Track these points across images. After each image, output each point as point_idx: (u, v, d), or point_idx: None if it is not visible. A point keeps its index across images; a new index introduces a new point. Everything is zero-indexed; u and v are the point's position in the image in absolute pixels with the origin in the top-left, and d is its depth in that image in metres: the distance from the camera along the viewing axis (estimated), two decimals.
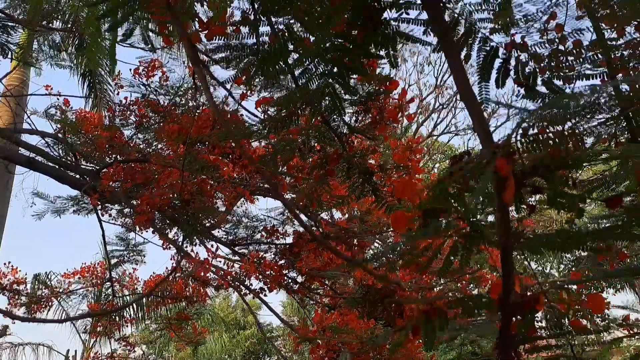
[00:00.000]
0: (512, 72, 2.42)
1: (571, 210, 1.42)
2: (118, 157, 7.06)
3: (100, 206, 6.91)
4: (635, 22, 3.61)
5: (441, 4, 1.79)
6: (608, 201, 1.49)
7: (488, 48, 2.33)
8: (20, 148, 7.71)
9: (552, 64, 2.58)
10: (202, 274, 5.76)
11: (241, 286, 5.77)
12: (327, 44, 1.55)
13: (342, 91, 1.84)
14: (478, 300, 1.60)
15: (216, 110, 3.50)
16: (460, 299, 1.64)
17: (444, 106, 16.05)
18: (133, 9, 1.76)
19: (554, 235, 1.47)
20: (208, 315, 17.33)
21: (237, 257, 6.42)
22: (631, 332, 5.50)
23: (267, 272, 5.65)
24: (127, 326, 9.89)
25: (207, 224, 6.40)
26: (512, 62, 2.48)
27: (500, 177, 1.37)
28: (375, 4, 1.56)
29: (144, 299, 9.17)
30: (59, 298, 9.56)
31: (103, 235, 8.40)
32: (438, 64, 15.45)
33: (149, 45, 5.46)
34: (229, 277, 5.57)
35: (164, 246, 6.61)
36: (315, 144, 3.85)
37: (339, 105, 1.82)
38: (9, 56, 7.03)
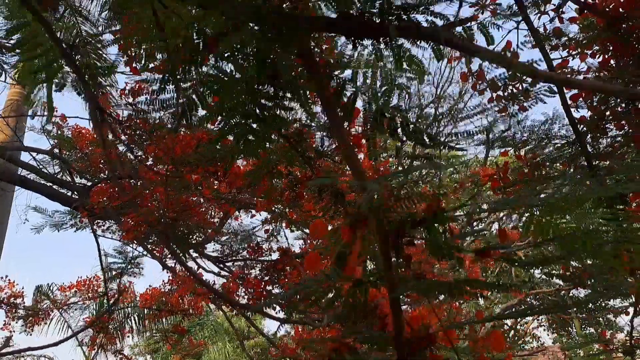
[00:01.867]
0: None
1: (450, 258, 1.50)
2: (112, 173, 7.21)
3: (90, 222, 7.06)
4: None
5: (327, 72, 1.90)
6: (478, 253, 1.57)
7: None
8: (19, 166, 7.88)
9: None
10: (186, 291, 5.86)
11: (226, 302, 5.87)
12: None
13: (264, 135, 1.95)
14: (378, 337, 1.68)
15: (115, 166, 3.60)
16: (365, 335, 1.73)
17: (444, 115, 16.02)
18: (59, 68, 1.87)
19: (436, 283, 1.55)
20: (212, 326, 17.41)
21: (224, 273, 6.52)
22: (607, 348, 5.53)
23: (249, 289, 5.75)
24: (124, 339, 9.99)
25: (195, 241, 6.51)
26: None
27: (383, 237, 1.46)
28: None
29: (143, 311, 9.31)
30: (60, 310, 9.71)
31: (98, 249, 8.54)
32: (438, 74, 15.47)
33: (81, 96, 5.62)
34: (211, 295, 5.67)
35: (161, 258, 6.73)
36: (285, 168, 3.96)
37: (253, 150, 1.93)
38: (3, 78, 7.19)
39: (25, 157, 8.66)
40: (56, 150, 8.13)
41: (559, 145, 3.60)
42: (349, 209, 1.33)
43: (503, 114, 3.50)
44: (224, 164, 4.30)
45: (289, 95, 1.74)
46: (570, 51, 3.65)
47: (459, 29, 1.70)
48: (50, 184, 7.00)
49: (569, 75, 3.99)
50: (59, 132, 8.71)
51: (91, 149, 8.05)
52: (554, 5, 3.58)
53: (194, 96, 1.70)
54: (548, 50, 3.48)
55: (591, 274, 4.10)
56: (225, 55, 1.56)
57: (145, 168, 6.53)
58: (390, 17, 1.55)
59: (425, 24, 1.62)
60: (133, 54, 2.45)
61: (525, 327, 20.65)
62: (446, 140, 2.34)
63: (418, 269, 1.86)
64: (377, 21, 1.57)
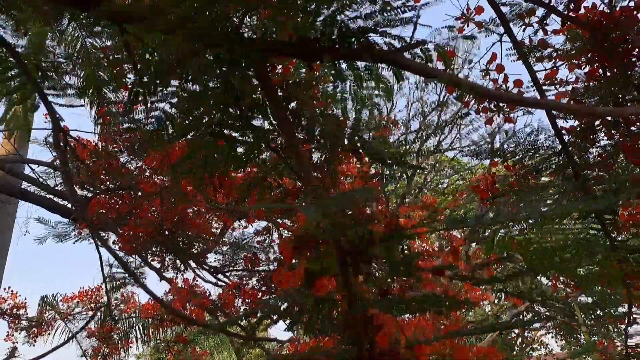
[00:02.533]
0: None
1: (408, 276, 1.52)
2: (114, 184, 7.28)
3: (92, 233, 7.12)
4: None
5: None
6: (434, 271, 1.59)
7: None
8: (20, 179, 7.96)
9: None
10: (182, 302, 5.90)
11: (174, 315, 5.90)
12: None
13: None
14: (342, 353, 1.70)
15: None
16: (330, 352, 1.75)
17: (447, 123, 16.05)
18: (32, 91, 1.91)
19: (398, 301, 1.58)
20: (217, 335, 17.42)
21: (221, 284, 6.55)
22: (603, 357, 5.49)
23: (246, 300, 5.77)
24: (128, 349, 10.01)
25: (194, 251, 6.55)
26: None
27: (340, 256, 1.49)
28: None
29: (147, 321, 9.35)
30: (65, 320, 9.78)
31: (100, 260, 8.60)
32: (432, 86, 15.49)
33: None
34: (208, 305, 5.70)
35: (159, 269, 6.78)
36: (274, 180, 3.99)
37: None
38: None
39: (28, 169, 8.75)
40: (56, 163, 8.21)
41: (545, 155, 3.61)
42: (295, 230, 1.36)
43: (489, 125, 3.52)
44: (218, 175, 4.34)
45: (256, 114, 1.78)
46: (556, 62, 3.67)
47: (418, 50, 1.73)
48: (50, 196, 7.07)
49: (557, 87, 4.01)
50: (62, 144, 8.80)
51: (93, 160, 8.14)
52: (538, 17, 3.60)
53: (162, 115, 1.74)
54: (533, 62, 3.49)
55: (581, 285, 4.10)
56: (189, 78, 1.60)
57: (144, 179, 6.59)
58: (348, 40, 1.59)
59: (384, 46, 1.65)
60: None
61: (533, 334, 20.54)
62: (407, 160, 2.38)
63: (384, 286, 1.88)
64: (333, 44, 1.61)
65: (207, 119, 1.71)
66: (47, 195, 6.97)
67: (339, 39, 1.58)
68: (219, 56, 1.48)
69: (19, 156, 9.26)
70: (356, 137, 2.25)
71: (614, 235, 3.81)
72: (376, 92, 2.19)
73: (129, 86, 1.54)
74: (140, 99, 1.71)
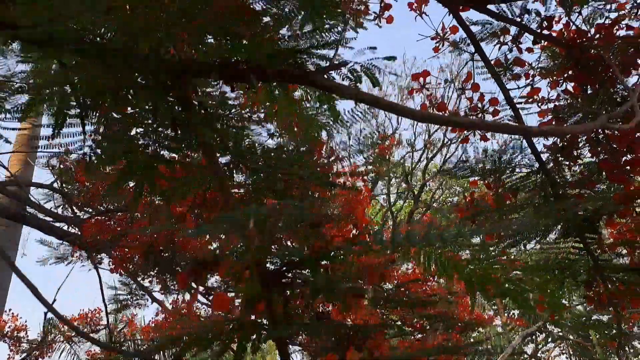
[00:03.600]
0: None
1: (337, 300, 1.50)
2: (111, 205, 7.31)
3: (90, 255, 7.14)
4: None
5: None
6: (355, 295, 1.56)
7: None
8: (22, 202, 8.03)
9: None
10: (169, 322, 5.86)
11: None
12: None
13: None
14: None
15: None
16: None
17: (453, 141, 16.02)
18: None
19: (322, 326, 1.55)
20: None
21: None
22: None
23: None
24: None
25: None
26: None
27: (262, 279, 1.47)
28: None
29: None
30: (70, 342, 9.77)
31: (100, 282, 8.61)
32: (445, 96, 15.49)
33: None
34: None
35: (162, 292, 6.77)
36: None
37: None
38: None
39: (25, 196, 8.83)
40: (56, 185, 8.29)
41: (523, 174, 3.57)
42: (194, 256, 1.34)
43: (465, 143, 3.49)
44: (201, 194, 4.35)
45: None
46: (533, 80, 3.64)
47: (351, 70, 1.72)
48: (47, 218, 7.12)
49: (539, 105, 3.98)
50: (62, 166, 8.89)
51: (92, 182, 8.20)
52: (511, 36, 3.59)
53: (93, 144, 1.75)
54: (510, 79, 3.48)
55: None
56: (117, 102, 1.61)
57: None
58: (273, 61, 1.59)
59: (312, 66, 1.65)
60: None
61: (547, 354, 20.20)
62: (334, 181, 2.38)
63: (318, 309, 1.85)
64: (255, 66, 1.60)
65: (141, 141, 1.72)
66: (44, 217, 7.02)
67: (266, 60, 1.58)
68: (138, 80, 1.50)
69: (23, 179, 9.36)
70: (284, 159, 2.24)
71: (597, 255, 3.74)
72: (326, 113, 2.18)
73: (55, 110, 1.56)
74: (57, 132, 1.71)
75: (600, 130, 3.85)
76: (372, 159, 10.63)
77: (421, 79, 3.54)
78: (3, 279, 10.21)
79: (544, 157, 3.65)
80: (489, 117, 3.55)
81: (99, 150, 1.68)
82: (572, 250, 3.75)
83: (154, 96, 1.52)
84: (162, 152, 1.79)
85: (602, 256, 3.80)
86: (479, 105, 3.54)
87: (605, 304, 3.95)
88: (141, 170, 1.76)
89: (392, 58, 1.69)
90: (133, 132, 1.71)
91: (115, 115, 1.60)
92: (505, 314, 18.91)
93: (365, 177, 10.14)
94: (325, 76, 1.82)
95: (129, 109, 1.64)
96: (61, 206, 8.68)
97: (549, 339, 20.43)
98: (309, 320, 1.82)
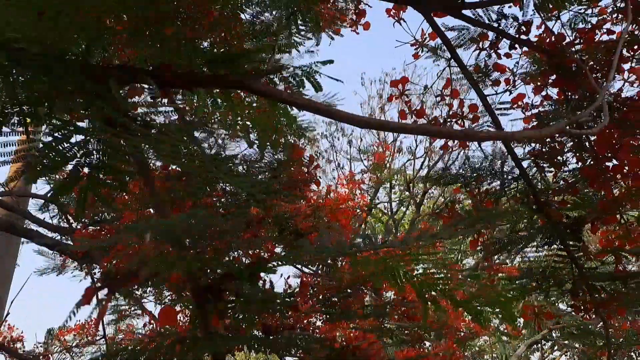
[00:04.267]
0: None
1: (273, 313, 1.46)
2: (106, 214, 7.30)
3: (86, 266, 7.12)
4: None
5: None
6: (291, 307, 1.52)
7: None
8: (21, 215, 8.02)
9: None
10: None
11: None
12: None
13: None
14: None
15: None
16: None
17: (454, 148, 15.88)
18: None
19: (255, 339, 1.51)
20: None
21: None
22: None
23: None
24: None
25: None
26: None
27: (195, 293, 1.43)
28: None
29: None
30: (71, 353, 9.73)
31: (96, 292, 8.57)
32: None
33: None
34: None
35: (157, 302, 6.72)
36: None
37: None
38: None
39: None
40: (49, 196, 8.28)
41: (504, 181, 3.51)
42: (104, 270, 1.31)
43: (444, 150, 3.44)
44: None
45: None
46: (515, 85, 3.60)
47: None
48: (39, 229, 7.10)
49: (524, 111, 3.93)
50: (57, 176, 8.91)
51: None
52: (489, 41, 3.54)
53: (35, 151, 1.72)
54: (489, 85, 3.43)
55: None
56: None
57: (127, 210, 6.59)
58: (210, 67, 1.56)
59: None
60: None
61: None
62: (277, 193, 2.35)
63: (266, 321, 1.80)
64: (189, 71, 1.57)
65: (83, 149, 1.69)
66: (36, 228, 6.99)
67: (206, 66, 1.55)
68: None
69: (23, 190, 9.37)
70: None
71: (582, 263, 3.68)
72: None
73: None
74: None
75: (585, 136, 3.80)
76: (370, 166, 10.59)
77: (400, 86, 3.50)
78: (2, 291, 10.22)
79: (526, 163, 3.60)
80: (468, 124, 3.50)
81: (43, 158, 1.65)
82: (556, 259, 3.69)
83: (85, 103, 1.49)
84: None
85: (587, 264, 3.74)
86: (459, 111, 3.49)
87: (592, 313, 3.88)
88: (85, 179, 1.73)
89: (329, 62, 1.66)
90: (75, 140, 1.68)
91: (57, 122, 1.57)
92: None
93: (362, 185, 10.11)
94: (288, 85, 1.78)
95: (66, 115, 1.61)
96: (56, 216, 8.68)
97: (555, 347, 20.21)
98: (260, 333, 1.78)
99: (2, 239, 9.18)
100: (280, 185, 3.90)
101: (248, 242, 1.86)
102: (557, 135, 3.68)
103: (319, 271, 4.83)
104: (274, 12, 2.97)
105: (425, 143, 17.05)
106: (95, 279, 5.68)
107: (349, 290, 7.23)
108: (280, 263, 1.47)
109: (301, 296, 1.76)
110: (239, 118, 2.22)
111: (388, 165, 13.84)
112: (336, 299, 6.41)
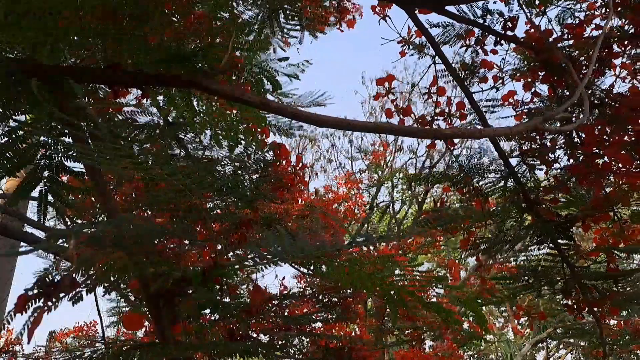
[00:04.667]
0: None
1: (231, 317, 1.41)
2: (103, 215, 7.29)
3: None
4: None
5: None
6: (246, 312, 1.47)
7: None
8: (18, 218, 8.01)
9: None
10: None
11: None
12: None
13: None
14: None
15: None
16: None
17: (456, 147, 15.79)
18: None
19: (215, 344, 1.47)
20: None
21: None
22: None
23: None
24: None
25: None
26: None
27: (149, 299, 1.39)
28: None
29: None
30: (73, 356, 9.74)
31: (95, 294, 8.57)
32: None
33: None
34: None
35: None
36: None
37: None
38: None
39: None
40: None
41: (493, 179, 3.46)
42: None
43: (432, 149, 3.39)
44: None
45: None
46: (504, 81, 3.54)
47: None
48: (33, 231, 7.08)
49: (515, 109, 3.88)
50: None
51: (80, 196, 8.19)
52: (475, 38, 3.49)
53: None
54: (470, 83, 3.38)
55: None
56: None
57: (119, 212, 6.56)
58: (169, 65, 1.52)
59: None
60: None
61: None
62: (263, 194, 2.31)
63: (231, 328, 1.76)
64: (139, 71, 1.53)
65: (41, 151, 1.66)
66: (31, 231, 6.98)
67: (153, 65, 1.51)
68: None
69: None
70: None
71: (574, 262, 3.62)
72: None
73: None
74: None
75: (575, 132, 3.75)
76: (368, 166, 10.53)
77: (386, 84, 3.45)
78: (1, 294, 10.22)
79: (518, 162, 3.55)
80: (456, 122, 3.45)
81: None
82: (547, 258, 3.63)
83: (31, 104, 1.45)
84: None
85: (578, 263, 3.68)
86: (446, 109, 3.44)
87: (585, 312, 3.82)
88: (44, 181, 1.70)
89: (285, 59, 1.62)
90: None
91: (12, 124, 1.54)
92: (515, 322, 18.63)
93: (360, 185, 10.06)
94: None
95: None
96: (53, 218, 8.69)
97: (560, 346, 20.09)
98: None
99: (0, 243, 9.17)
100: (267, 187, 3.86)
101: (202, 244, 1.81)
102: (548, 132, 3.62)
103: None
104: (255, 11, 2.94)
105: (427, 141, 16.94)
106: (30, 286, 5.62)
107: (348, 291, 7.20)
108: (239, 266, 1.42)
109: (253, 301, 1.71)
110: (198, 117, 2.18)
111: (390, 164, 13.79)
112: (336, 299, 6.37)
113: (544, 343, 18.60)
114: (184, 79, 1.57)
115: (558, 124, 2.69)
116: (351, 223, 11.45)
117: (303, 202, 4.23)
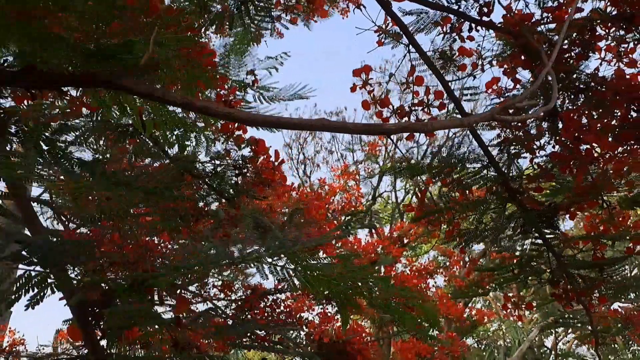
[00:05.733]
0: None
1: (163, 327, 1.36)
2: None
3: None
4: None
5: None
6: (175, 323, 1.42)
7: None
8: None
9: None
10: None
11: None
12: None
13: None
14: None
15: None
16: None
17: (456, 135, 15.67)
18: None
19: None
20: None
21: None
22: None
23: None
24: None
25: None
26: None
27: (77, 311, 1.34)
28: None
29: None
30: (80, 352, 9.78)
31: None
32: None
33: None
34: None
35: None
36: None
37: None
38: None
39: None
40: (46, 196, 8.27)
41: (475, 169, 3.39)
42: None
43: (410, 140, 3.32)
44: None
45: None
46: (480, 69, 3.46)
47: None
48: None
49: (499, 97, 3.79)
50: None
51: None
52: (450, 25, 3.40)
53: None
54: (446, 72, 3.30)
55: None
56: None
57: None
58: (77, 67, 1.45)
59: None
60: None
61: (567, 346, 19.87)
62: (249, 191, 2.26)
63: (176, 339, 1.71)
64: (53, 72, 1.47)
65: None
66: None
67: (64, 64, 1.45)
68: None
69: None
70: None
71: (559, 251, 3.54)
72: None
73: None
74: None
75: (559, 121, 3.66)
76: (366, 156, 10.45)
77: (363, 75, 3.37)
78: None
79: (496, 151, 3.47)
80: (435, 111, 3.36)
81: None
82: (532, 247, 3.57)
83: None
84: None
85: (565, 252, 3.61)
86: (425, 99, 3.36)
87: (574, 301, 3.75)
88: None
89: (210, 54, 1.55)
90: None
91: None
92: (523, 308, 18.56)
93: (357, 176, 10.00)
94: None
95: None
96: (51, 218, 8.70)
97: (569, 330, 19.99)
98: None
99: None
100: (245, 183, 3.81)
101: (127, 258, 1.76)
102: (531, 120, 3.54)
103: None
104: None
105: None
106: None
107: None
108: (171, 275, 1.37)
109: (177, 311, 1.67)
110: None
111: (391, 153, 13.70)
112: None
113: (552, 329, 18.53)
114: (101, 79, 1.50)
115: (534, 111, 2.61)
116: (349, 215, 11.39)
117: (288, 197, 4.17)
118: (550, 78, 2.22)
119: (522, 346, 17.78)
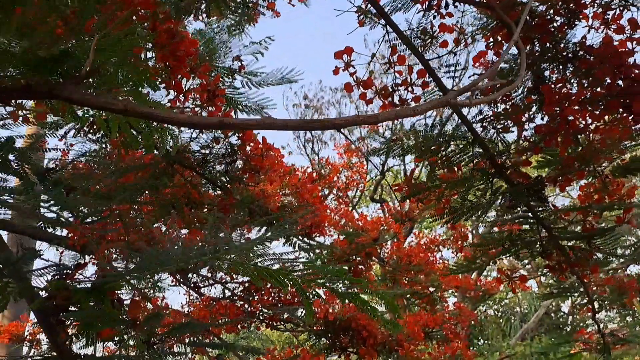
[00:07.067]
0: None
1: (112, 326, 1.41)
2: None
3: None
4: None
5: None
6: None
7: None
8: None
9: None
10: None
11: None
12: None
13: None
14: None
15: None
16: None
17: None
18: None
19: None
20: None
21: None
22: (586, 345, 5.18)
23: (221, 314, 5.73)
24: None
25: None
26: None
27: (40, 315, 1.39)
28: None
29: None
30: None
31: None
32: None
33: None
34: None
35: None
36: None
37: None
38: None
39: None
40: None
41: (460, 146, 3.39)
42: None
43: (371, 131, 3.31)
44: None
45: None
46: (462, 46, 3.43)
47: None
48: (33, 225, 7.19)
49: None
50: (62, 171, 9.00)
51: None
52: (428, 2, 3.36)
53: None
54: (428, 49, 3.29)
55: None
56: None
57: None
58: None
59: None
60: None
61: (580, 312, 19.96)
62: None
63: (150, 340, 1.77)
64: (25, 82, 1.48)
65: None
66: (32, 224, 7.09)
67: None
68: None
69: None
70: None
71: (549, 223, 3.55)
72: None
73: None
74: None
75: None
76: (367, 134, 10.45)
77: (345, 56, 3.37)
78: None
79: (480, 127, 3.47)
80: (418, 90, 3.35)
81: None
82: (522, 220, 3.58)
83: None
84: None
85: (556, 224, 3.61)
86: (408, 78, 3.35)
87: (567, 272, 3.77)
88: None
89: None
90: None
91: None
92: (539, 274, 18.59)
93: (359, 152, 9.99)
94: None
95: None
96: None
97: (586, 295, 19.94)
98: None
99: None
100: (235, 170, 3.86)
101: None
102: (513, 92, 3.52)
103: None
104: None
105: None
106: None
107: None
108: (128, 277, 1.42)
109: (130, 315, 1.71)
110: None
111: (398, 127, 13.64)
112: (346, 268, 6.38)
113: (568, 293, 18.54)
114: (41, 90, 1.51)
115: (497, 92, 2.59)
116: (356, 191, 11.43)
117: (280, 181, 4.21)
118: (518, 51, 2.21)
119: (537, 312, 17.85)
